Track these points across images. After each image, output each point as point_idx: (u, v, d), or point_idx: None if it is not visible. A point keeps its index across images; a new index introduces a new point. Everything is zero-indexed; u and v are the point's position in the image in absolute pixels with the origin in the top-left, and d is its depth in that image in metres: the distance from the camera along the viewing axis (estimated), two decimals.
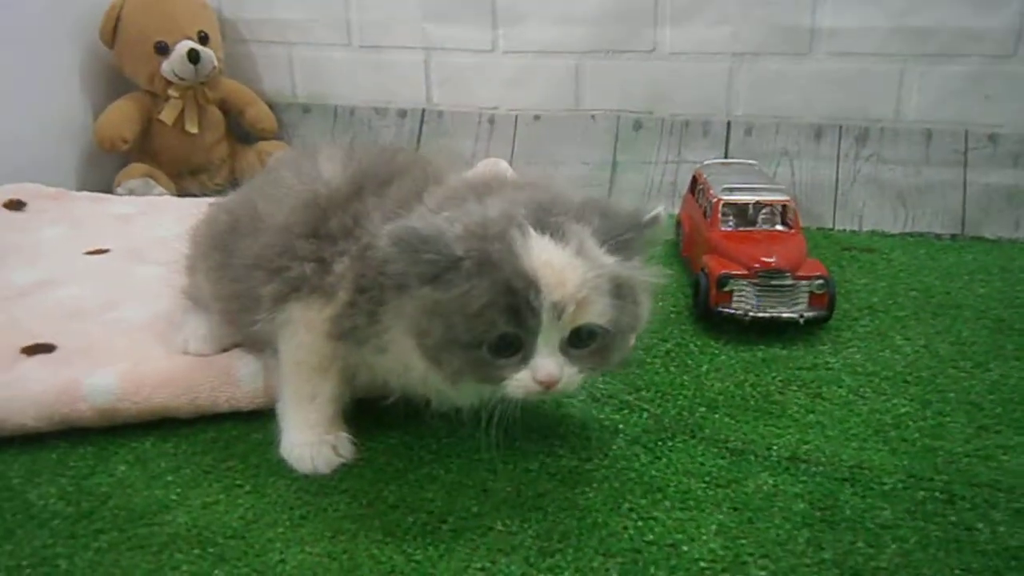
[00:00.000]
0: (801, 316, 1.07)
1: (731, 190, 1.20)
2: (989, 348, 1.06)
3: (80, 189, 1.58)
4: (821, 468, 0.82)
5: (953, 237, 1.43)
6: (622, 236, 0.72)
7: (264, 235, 0.83)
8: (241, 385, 0.90)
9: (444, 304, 0.69)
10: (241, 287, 0.86)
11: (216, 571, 0.69)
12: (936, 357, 1.04)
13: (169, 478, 0.82)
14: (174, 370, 0.90)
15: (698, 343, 1.08)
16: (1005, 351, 1.05)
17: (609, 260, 0.71)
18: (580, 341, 0.72)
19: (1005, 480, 0.79)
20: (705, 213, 1.23)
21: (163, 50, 1.58)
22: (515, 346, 0.70)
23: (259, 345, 0.90)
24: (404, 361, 0.77)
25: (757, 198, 1.19)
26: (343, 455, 0.83)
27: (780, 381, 0.98)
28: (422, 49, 1.66)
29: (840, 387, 0.97)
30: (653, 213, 0.74)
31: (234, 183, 1.74)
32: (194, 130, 1.64)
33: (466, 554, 0.71)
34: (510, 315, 0.68)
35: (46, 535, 0.74)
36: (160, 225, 1.36)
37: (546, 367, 0.70)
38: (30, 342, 0.95)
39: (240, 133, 1.79)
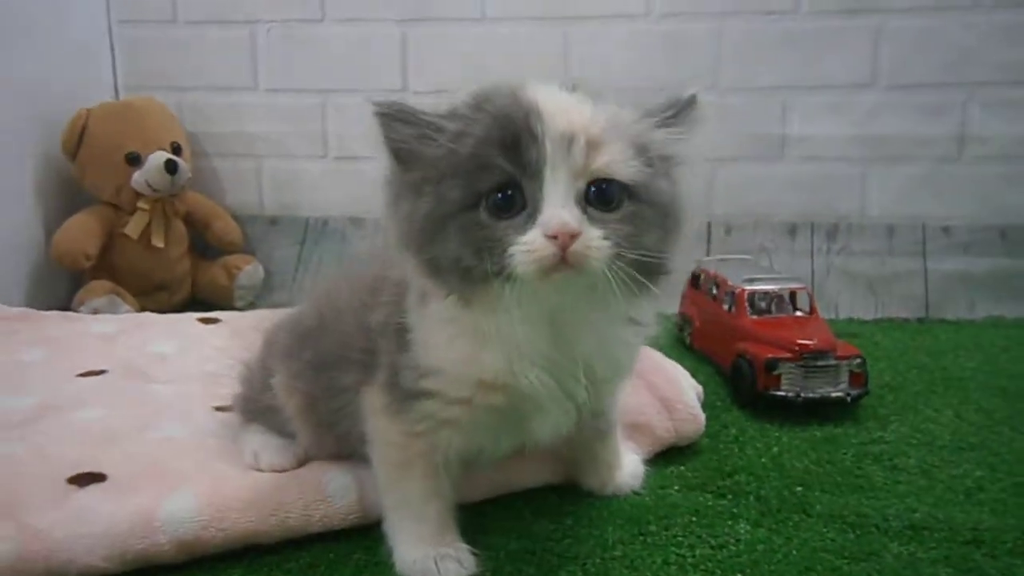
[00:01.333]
0: (847, 395, 1.12)
1: (752, 280, 1.26)
2: (1010, 414, 1.14)
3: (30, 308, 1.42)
4: (943, 534, 0.83)
5: (920, 320, 1.56)
6: (651, 107, 0.65)
7: (347, 319, 0.80)
8: (333, 501, 0.82)
9: (435, 156, 0.62)
10: (332, 380, 0.81)
11: None
12: (972, 425, 1.10)
13: None
14: (259, 489, 0.81)
15: (755, 427, 1.09)
16: None
17: (629, 114, 0.64)
18: (604, 202, 0.61)
19: None
20: (725, 304, 1.28)
21: (135, 161, 1.50)
22: (519, 202, 0.61)
23: (348, 450, 0.84)
24: (444, 366, 0.70)
25: (779, 287, 1.26)
26: (467, 567, 0.76)
27: (852, 456, 1.01)
28: None
29: (909, 458, 1.01)
30: (692, 91, 0.65)
31: (196, 301, 1.65)
32: (160, 244, 1.54)
33: None
34: (509, 151, 0.60)
35: None
36: (151, 342, 1.25)
37: (558, 215, 0.59)
38: (72, 472, 0.83)
39: (201, 247, 1.70)
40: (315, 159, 1.69)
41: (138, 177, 1.50)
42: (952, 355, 1.38)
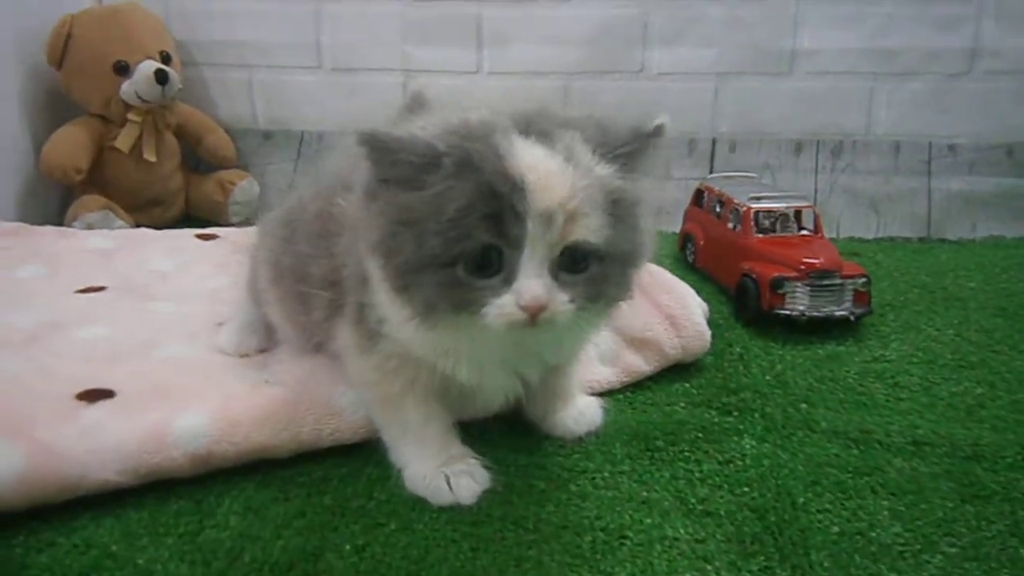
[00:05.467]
0: (851, 314, 1.12)
1: (757, 199, 1.25)
2: (1009, 333, 1.15)
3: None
4: (944, 449, 0.85)
5: (921, 240, 1.56)
6: (621, 147, 0.65)
7: (307, 248, 0.81)
8: (344, 415, 0.82)
9: (417, 209, 0.61)
10: (306, 308, 0.82)
11: None
12: (972, 344, 1.11)
13: (296, 524, 0.73)
14: (271, 405, 0.81)
15: (759, 345, 1.10)
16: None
17: (604, 170, 0.64)
18: (573, 264, 0.64)
19: None
20: (729, 223, 1.27)
21: (123, 70, 1.44)
22: (496, 264, 0.63)
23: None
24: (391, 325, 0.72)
25: (785, 205, 1.24)
26: (480, 482, 0.77)
27: (855, 375, 1.02)
28: (401, 71, 1.61)
29: (911, 376, 1.02)
30: (657, 122, 0.66)
31: (190, 216, 1.63)
32: (152, 158, 1.50)
33: (667, 565, 0.68)
34: (491, 223, 0.61)
35: None
36: (150, 258, 1.24)
37: (531, 289, 0.62)
38: (80, 388, 0.82)
39: (193, 162, 1.66)
40: (309, 70, 1.64)
41: (127, 88, 1.45)
42: (953, 275, 1.39)
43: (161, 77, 1.44)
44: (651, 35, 1.55)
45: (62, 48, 1.44)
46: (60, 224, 1.43)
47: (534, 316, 0.62)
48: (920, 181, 1.57)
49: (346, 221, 0.74)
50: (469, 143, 0.62)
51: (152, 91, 1.45)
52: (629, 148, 0.65)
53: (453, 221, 0.60)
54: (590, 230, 0.62)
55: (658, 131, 0.66)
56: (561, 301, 0.63)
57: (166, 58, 1.50)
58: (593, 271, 0.65)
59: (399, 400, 0.77)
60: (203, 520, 0.73)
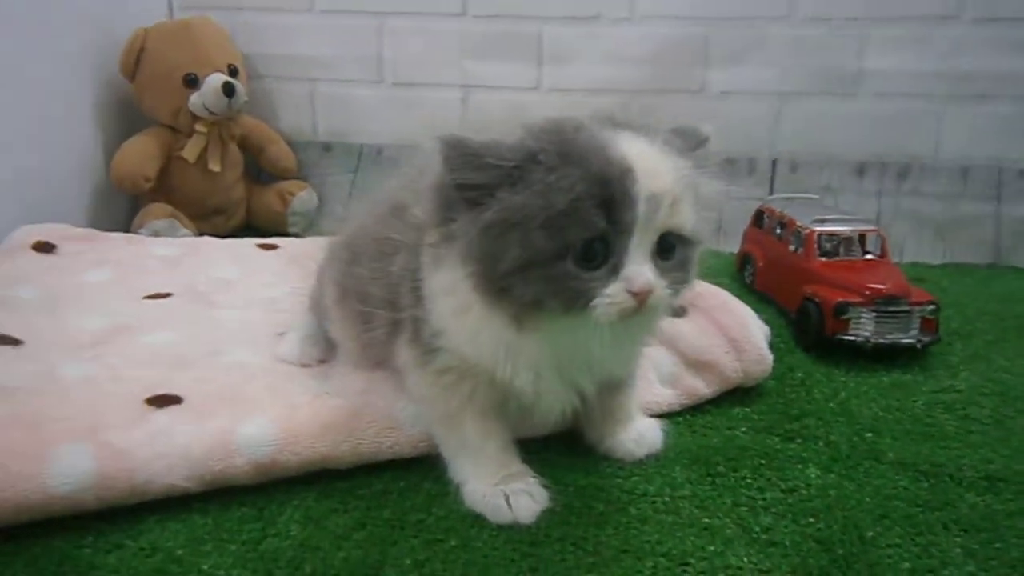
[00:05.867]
0: (918, 341, 1.09)
1: (821, 221, 1.22)
2: None
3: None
4: (1019, 486, 0.82)
5: (989, 266, 1.51)
6: (696, 145, 0.69)
7: (365, 271, 0.82)
8: (404, 429, 0.83)
9: (520, 207, 0.61)
10: (368, 327, 0.83)
11: None
12: None
13: (356, 536, 0.73)
14: (333, 415, 0.82)
15: (821, 371, 1.08)
16: None
17: (687, 163, 0.66)
18: (665, 251, 0.66)
19: None
20: (791, 245, 1.24)
21: (193, 83, 1.48)
22: (602, 255, 0.63)
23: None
24: (447, 336, 0.72)
25: (850, 228, 1.22)
26: (539, 501, 0.77)
27: (923, 404, 0.99)
28: (460, 87, 1.63)
29: (982, 407, 0.98)
30: (708, 129, 0.71)
31: (250, 226, 1.65)
32: (217, 168, 1.54)
33: None
34: (604, 209, 0.61)
35: None
36: (213, 266, 1.26)
37: (643, 274, 0.63)
38: (149, 393, 0.84)
39: (255, 172, 1.69)
40: (370, 84, 1.66)
41: (195, 99, 1.49)
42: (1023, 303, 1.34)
43: (228, 90, 1.48)
44: (713, 55, 1.54)
45: (135, 61, 1.48)
46: (127, 230, 1.47)
47: (642, 303, 0.64)
48: (989, 206, 1.52)
49: (404, 240, 0.76)
50: (564, 137, 0.63)
51: (219, 103, 1.48)
52: (698, 148, 0.69)
53: (565, 212, 0.61)
54: (685, 216, 0.65)
55: (707, 140, 0.71)
56: (661, 286, 0.65)
57: (233, 71, 1.54)
58: (679, 256, 0.67)
59: (458, 416, 0.77)
60: (265, 528, 0.74)
